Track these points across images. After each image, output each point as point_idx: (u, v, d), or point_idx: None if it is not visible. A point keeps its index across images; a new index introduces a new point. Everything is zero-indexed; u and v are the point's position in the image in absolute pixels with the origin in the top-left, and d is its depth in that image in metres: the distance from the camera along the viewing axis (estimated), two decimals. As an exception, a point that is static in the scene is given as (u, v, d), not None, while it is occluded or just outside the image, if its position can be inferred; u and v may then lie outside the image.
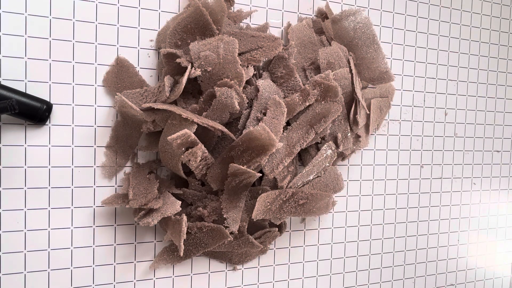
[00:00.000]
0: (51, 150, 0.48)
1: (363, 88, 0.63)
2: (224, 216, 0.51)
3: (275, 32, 0.58)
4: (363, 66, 0.59)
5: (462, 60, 0.73)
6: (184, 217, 0.48)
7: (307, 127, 0.54)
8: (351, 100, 0.58)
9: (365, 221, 0.66)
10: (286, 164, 0.53)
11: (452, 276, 0.75)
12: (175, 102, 0.50)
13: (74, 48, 0.49)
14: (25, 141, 0.47)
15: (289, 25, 0.58)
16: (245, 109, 0.52)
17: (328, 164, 0.57)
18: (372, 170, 0.66)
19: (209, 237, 0.52)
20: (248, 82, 0.53)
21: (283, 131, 0.54)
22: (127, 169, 0.52)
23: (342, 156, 0.60)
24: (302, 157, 0.58)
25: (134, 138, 0.51)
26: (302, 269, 0.62)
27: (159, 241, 0.54)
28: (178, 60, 0.48)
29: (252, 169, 0.49)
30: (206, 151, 0.48)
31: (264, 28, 0.56)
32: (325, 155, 0.56)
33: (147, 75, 0.52)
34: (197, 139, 0.46)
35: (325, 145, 0.57)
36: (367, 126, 0.61)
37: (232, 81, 0.48)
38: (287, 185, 0.54)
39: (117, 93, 0.48)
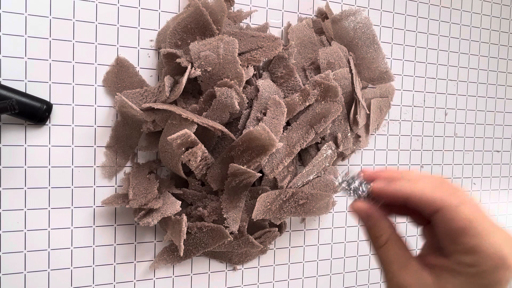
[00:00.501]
0: (51, 150, 0.48)
1: (363, 88, 0.63)
2: (224, 216, 0.51)
3: (275, 32, 0.58)
4: (363, 66, 0.59)
5: (462, 60, 0.73)
6: (184, 217, 0.48)
7: (307, 127, 0.54)
8: (351, 100, 0.58)
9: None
10: (286, 164, 0.53)
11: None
12: (175, 102, 0.50)
13: (74, 48, 0.49)
14: (25, 141, 0.47)
15: (289, 25, 0.58)
16: (245, 109, 0.52)
17: (328, 164, 0.57)
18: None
19: (209, 237, 0.52)
20: (248, 82, 0.53)
21: (283, 131, 0.54)
22: (127, 169, 0.52)
23: (342, 156, 0.60)
24: (302, 157, 0.58)
25: (134, 138, 0.51)
26: (302, 269, 0.62)
27: (159, 241, 0.54)
28: (178, 60, 0.48)
29: (252, 169, 0.49)
30: (206, 151, 0.48)
31: (264, 28, 0.56)
32: (325, 155, 0.56)
33: (147, 75, 0.52)
34: (197, 139, 0.46)
35: (325, 145, 0.57)
36: (367, 126, 0.61)
37: (232, 81, 0.48)
38: (287, 185, 0.54)
39: (117, 93, 0.48)
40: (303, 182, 0.56)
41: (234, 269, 0.58)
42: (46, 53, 0.47)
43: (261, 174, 0.51)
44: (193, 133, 0.46)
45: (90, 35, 0.49)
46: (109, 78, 0.50)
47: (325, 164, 0.57)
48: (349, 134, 0.58)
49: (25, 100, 0.44)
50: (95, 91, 0.50)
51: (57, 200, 0.49)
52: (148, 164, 0.52)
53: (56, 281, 0.49)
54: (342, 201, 0.64)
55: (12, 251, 0.47)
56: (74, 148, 0.49)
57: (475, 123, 0.75)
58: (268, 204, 0.52)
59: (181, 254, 0.47)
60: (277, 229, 0.57)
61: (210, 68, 0.48)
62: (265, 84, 0.52)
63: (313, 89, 0.54)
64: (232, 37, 0.49)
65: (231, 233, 0.52)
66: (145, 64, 0.52)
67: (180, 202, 0.48)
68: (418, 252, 0.29)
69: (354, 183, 0.29)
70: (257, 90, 0.52)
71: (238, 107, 0.49)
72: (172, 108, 0.47)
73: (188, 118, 0.46)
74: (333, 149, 0.57)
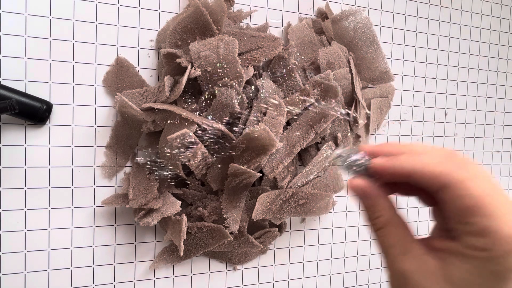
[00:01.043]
0: (51, 150, 0.48)
1: (363, 88, 0.63)
2: (224, 216, 0.51)
3: (275, 32, 0.58)
4: (363, 66, 0.59)
5: (462, 60, 0.73)
6: (184, 217, 0.48)
7: (307, 127, 0.54)
8: (351, 100, 0.58)
9: (365, 221, 0.66)
10: (286, 164, 0.53)
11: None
12: (175, 102, 0.50)
13: (74, 48, 0.49)
14: (25, 141, 0.47)
15: (289, 25, 0.58)
16: (245, 109, 0.52)
17: (328, 164, 0.57)
18: (372, 170, 0.66)
19: (209, 237, 0.52)
20: (248, 82, 0.53)
21: (283, 131, 0.54)
22: (127, 169, 0.52)
23: (342, 156, 0.60)
24: (302, 157, 0.58)
25: (134, 138, 0.51)
26: (302, 269, 0.62)
27: (159, 241, 0.54)
28: (178, 60, 0.48)
29: (252, 169, 0.49)
30: (206, 151, 0.48)
31: (264, 28, 0.56)
32: (325, 155, 0.56)
33: (147, 75, 0.52)
34: (197, 139, 0.46)
35: (325, 145, 0.57)
36: (367, 126, 0.61)
37: (232, 81, 0.48)
38: (287, 185, 0.54)
39: (117, 93, 0.48)
40: (303, 182, 0.56)
41: (234, 269, 0.58)
42: (46, 53, 0.47)
43: (261, 174, 0.51)
44: (193, 133, 0.46)
45: (90, 35, 0.49)
46: (109, 78, 0.50)
47: (325, 164, 0.57)
48: (349, 134, 0.58)
49: (25, 100, 0.44)
50: (95, 91, 0.50)
51: (57, 200, 0.49)
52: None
53: (56, 281, 0.49)
54: (342, 201, 0.64)
55: (12, 251, 0.47)
56: (74, 148, 0.49)
57: (475, 123, 0.75)
58: (268, 204, 0.52)
59: (181, 254, 0.47)
60: (277, 229, 0.57)
61: (210, 68, 0.48)
62: (265, 84, 0.52)
63: (313, 89, 0.54)
64: (232, 37, 0.49)
65: (231, 233, 0.52)
66: (145, 64, 0.52)
67: (180, 202, 0.48)
68: (425, 236, 0.26)
69: (352, 157, 0.26)
70: (257, 90, 0.52)
71: (238, 107, 0.49)
72: (172, 108, 0.47)
73: (188, 118, 0.46)
74: (333, 149, 0.57)
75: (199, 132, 0.48)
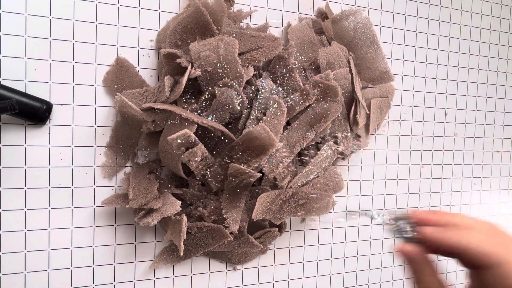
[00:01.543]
0: (51, 150, 0.48)
1: (363, 88, 0.63)
2: (224, 216, 0.51)
3: (275, 32, 0.58)
4: (363, 66, 0.59)
5: (462, 60, 0.73)
6: (184, 217, 0.48)
7: (307, 127, 0.54)
8: (351, 100, 0.58)
9: (365, 221, 0.66)
10: (286, 164, 0.54)
11: (452, 275, 0.75)
12: (175, 102, 0.50)
13: (74, 48, 0.49)
14: (25, 141, 0.47)
15: (289, 25, 0.58)
16: (245, 109, 0.52)
17: (328, 164, 0.57)
18: (372, 170, 0.66)
19: (209, 237, 0.52)
20: (248, 82, 0.53)
21: (283, 131, 0.54)
22: (127, 169, 0.52)
23: (342, 156, 0.60)
24: (302, 157, 0.58)
25: (134, 138, 0.51)
26: (302, 269, 0.62)
27: (159, 241, 0.54)
28: (178, 60, 0.48)
29: (252, 169, 0.49)
30: (206, 151, 0.48)
31: (264, 28, 0.56)
32: (325, 155, 0.56)
33: (147, 75, 0.52)
34: (197, 139, 0.46)
35: (325, 145, 0.57)
36: (367, 126, 0.61)
37: (232, 81, 0.48)
38: (287, 185, 0.54)
39: (117, 93, 0.48)
40: (303, 182, 0.56)
41: (234, 269, 0.58)
42: (46, 53, 0.47)
43: (261, 174, 0.51)
44: (193, 133, 0.46)
45: (90, 35, 0.49)
46: (109, 78, 0.50)
47: (325, 164, 0.57)
48: (349, 134, 0.58)
49: (25, 100, 0.44)
50: (95, 91, 0.50)
51: (57, 200, 0.49)
52: (148, 164, 0.52)
53: (56, 281, 0.49)
54: (342, 201, 0.64)
55: (12, 251, 0.47)
56: (74, 148, 0.49)
57: (475, 123, 0.75)
58: (268, 204, 0.52)
59: (181, 254, 0.47)
60: (277, 229, 0.57)
61: (210, 68, 0.48)
62: (265, 84, 0.52)
63: (313, 89, 0.54)
64: (232, 37, 0.49)
65: (231, 233, 0.52)
66: (145, 64, 0.52)
67: (180, 202, 0.48)
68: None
69: (403, 225, 0.30)
70: (257, 90, 0.52)
71: (238, 107, 0.49)
72: (172, 108, 0.47)
73: (188, 118, 0.46)
74: (333, 149, 0.57)
75: (199, 132, 0.48)
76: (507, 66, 0.77)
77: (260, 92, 0.52)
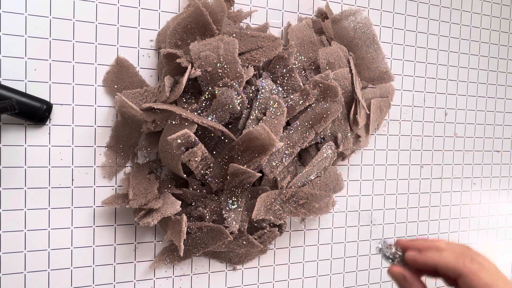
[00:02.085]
0: (51, 150, 0.48)
1: (363, 88, 0.63)
2: (224, 216, 0.51)
3: (275, 32, 0.58)
4: (363, 66, 0.59)
5: (462, 60, 0.73)
6: (184, 217, 0.48)
7: (307, 127, 0.54)
8: (351, 100, 0.58)
9: (364, 221, 0.66)
10: (286, 164, 0.54)
11: None
12: (175, 102, 0.50)
13: (74, 48, 0.49)
14: (25, 141, 0.47)
15: (289, 25, 0.58)
16: (245, 109, 0.52)
17: (328, 164, 0.57)
18: (372, 170, 0.66)
19: (209, 237, 0.52)
20: (248, 82, 0.53)
21: (283, 131, 0.54)
22: (127, 169, 0.52)
23: (342, 156, 0.60)
24: (302, 157, 0.58)
25: (134, 138, 0.51)
26: (302, 269, 0.62)
27: (159, 241, 0.54)
28: (178, 60, 0.48)
29: (252, 169, 0.49)
30: (206, 151, 0.48)
31: (264, 28, 0.56)
32: (325, 155, 0.56)
33: (147, 75, 0.52)
34: (197, 139, 0.46)
35: (325, 145, 0.57)
36: (367, 126, 0.61)
37: (232, 81, 0.48)
38: (287, 185, 0.54)
39: (117, 93, 0.48)
40: (303, 182, 0.56)
41: (234, 269, 0.58)
42: (46, 53, 0.47)
43: (261, 174, 0.51)
44: (193, 133, 0.46)
45: (90, 35, 0.49)
46: (109, 78, 0.50)
47: (325, 164, 0.57)
48: (349, 134, 0.58)
49: (25, 100, 0.44)
50: (95, 91, 0.50)
51: (57, 200, 0.49)
52: (148, 164, 0.52)
53: (56, 281, 0.49)
54: (342, 201, 0.64)
55: (12, 251, 0.47)
56: (74, 148, 0.49)
57: (475, 123, 0.75)
58: (268, 204, 0.52)
59: (181, 254, 0.47)
60: (277, 229, 0.57)
61: (210, 68, 0.48)
62: (265, 84, 0.52)
63: (313, 89, 0.54)
64: (232, 37, 0.49)
65: (231, 233, 0.52)
66: (145, 64, 0.52)
67: (180, 202, 0.48)
68: None
69: (391, 250, 0.35)
70: (257, 90, 0.52)
71: (238, 107, 0.49)
72: (172, 108, 0.47)
73: (188, 118, 0.46)
74: (333, 149, 0.57)
75: (199, 132, 0.48)
76: (507, 66, 0.77)
77: (260, 92, 0.52)
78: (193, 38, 0.50)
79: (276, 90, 0.54)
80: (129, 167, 0.52)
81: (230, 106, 0.48)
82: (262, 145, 0.48)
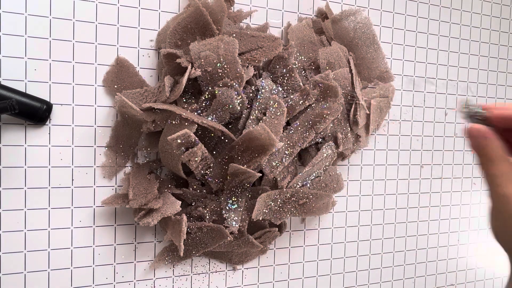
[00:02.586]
0: (51, 150, 0.48)
1: (363, 88, 0.63)
2: (224, 216, 0.51)
3: (275, 32, 0.58)
4: (363, 66, 0.59)
5: (462, 60, 0.73)
6: (184, 217, 0.48)
7: (307, 127, 0.54)
8: (351, 100, 0.58)
9: (365, 221, 0.66)
10: (286, 164, 0.54)
11: (452, 276, 0.75)
12: (175, 102, 0.50)
13: (74, 48, 0.49)
14: (25, 141, 0.47)
15: (289, 25, 0.58)
16: (245, 109, 0.52)
17: (328, 164, 0.57)
18: (372, 170, 0.66)
19: (209, 237, 0.52)
20: (248, 82, 0.53)
21: (283, 131, 0.54)
22: (127, 169, 0.52)
23: (342, 156, 0.60)
24: (302, 157, 0.58)
25: (134, 138, 0.51)
26: (302, 269, 0.62)
27: (159, 241, 0.54)
28: (178, 60, 0.48)
29: (252, 169, 0.49)
30: (206, 151, 0.48)
31: (264, 28, 0.56)
32: (325, 155, 0.56)
33: (147, 75, 0.52)
34: (197, 139, 0.46)
35: (325, 145, 0.57)
36: (367, 126, 0.61)
37: (232, 81, 0.48)
38: (287, 185, 0.54)
39: (117, 93, 0.48)
40: (303, 182, 0.56)
41: (234, 269, 0.58)
42: (46, 53, 0.47)
43: (261, 174, 0.51)
44: (193, 133, 0.46)
45: (90, 35, 0.49)
46: (109, 78, 0.50)
47: (325, 164, 0.57)
48: (349, 134, 0.58)
49: (25, 100, 0.44)
50: (95, 91, 0.50)
51: (57, 200, 0.49)
52: (148, 164, 0.52)
53: (56, 281, 0.49)
54: (342, 201, 0.64)
55: (12, 251, 0.47)
56: (74, 148, 0.49)
57: (475, 123, 0.75)
58: (268, 204, 0.52)
59: (181, 254, 0.47)
60: (277, 229, 0.57)
61: (210, 68, 0.48)
62: (265, 84, 0.52)
63: (313, 89, 0.54)
64: (232, 37, 0.49)
65: (231, 233, 0.52)
66: (145, 64, 0.52)
67: (180, 202, 0.48)
68: None
69: (474, 109, 0.33)
70: (257, 90, 0.52)
71: (238, 107, 0.49)
72: (172, 108, 0.47)
73: (188, 118, 0.46)
74: (333, 149, 0.57)
75: (199, 132, 0.48)
76: (507, 66, 0.77)
77: (260, 92, 0.52)
78: (193, 38, 0.50)
79: (276, 90, 0.54)
80: (129, 167, 0.52)
81: (230, 106, 0.48)
82: (262, 145, 0.48)
